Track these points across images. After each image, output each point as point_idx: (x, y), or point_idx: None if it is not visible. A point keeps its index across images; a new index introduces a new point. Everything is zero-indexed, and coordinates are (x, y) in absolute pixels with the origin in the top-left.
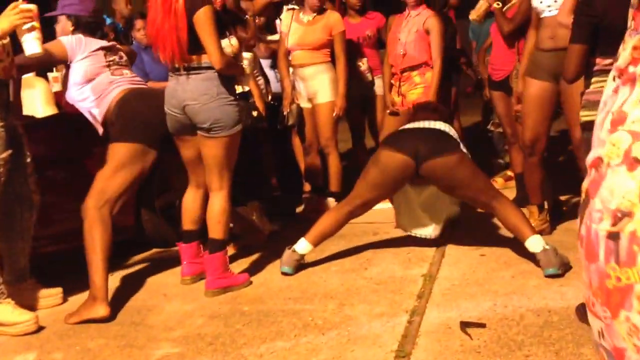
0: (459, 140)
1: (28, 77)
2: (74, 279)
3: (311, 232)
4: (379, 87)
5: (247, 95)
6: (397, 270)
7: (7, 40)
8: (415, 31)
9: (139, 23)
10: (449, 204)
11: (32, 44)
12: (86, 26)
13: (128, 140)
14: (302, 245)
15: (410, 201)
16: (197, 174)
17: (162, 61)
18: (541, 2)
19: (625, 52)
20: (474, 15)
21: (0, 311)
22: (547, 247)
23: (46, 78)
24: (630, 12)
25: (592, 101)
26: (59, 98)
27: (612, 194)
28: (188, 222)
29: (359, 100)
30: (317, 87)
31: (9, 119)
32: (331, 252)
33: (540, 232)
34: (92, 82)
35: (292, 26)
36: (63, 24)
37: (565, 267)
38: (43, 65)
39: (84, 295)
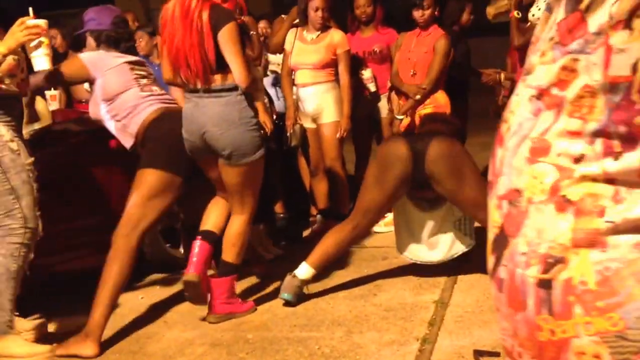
0: None
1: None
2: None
3: (312, 255)
4: (383, 107)
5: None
6: (408, 297)
7: (22, 57)
8: (425, 52)
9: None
10: (460, 234)
11: (40, 60)
12: (107, 40)
13: (160, 167)
14: (303, 270)
15: (411, 223)
16: (225, 190)
17: (176, 79)
18: (539, 19)
19: (547, 68)
20: (491, 10)
21: (12, 344)
22: None
23: (44, 96)
24: (549, 17)
25: None
26: (55, 117)
27: (540, 236)
28: (209, 223)
29: (365, 121)
30: (322, 106)
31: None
32: (339, 278)
33: None
34: (119, 98)
35: (295, 44)
36: (88, 41)
37: None
38: (65, 84)
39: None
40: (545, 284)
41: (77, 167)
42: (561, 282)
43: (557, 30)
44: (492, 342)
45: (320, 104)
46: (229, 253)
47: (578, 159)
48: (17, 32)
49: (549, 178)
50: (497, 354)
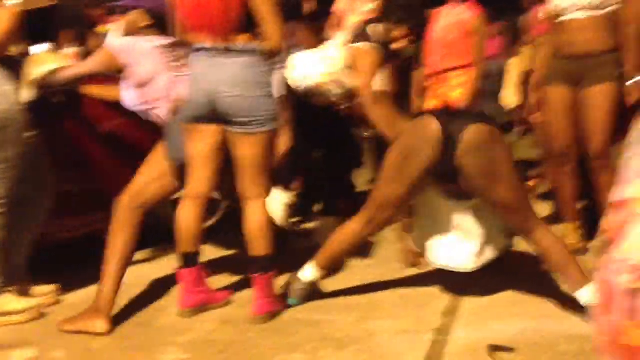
0: None
1: (40, 54)
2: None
3: (320, 254)
4: None
5: None
6: (423, 285)
7: None
8: (457, 31)
9: None
10: (497, 233)
11: None
12: (161, 22)
13: None
14: (308, 272)
15: (433, 217)
16: (201, 177)
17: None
18: (557, 5)
19: None
20: None
21: (3, 301)
22: None
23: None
24: None
25: None
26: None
27: (632, 247)
28: (186, 243)
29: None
30: None
31: None
32: (353, 263)
33: (575, 253)
34: (151, 84)
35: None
36: (135, 17)
37: None
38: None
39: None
40: (632, 293)
41: (92, 133)
42: None
43: None
44: (508, 337)
45: None
46: (259, 247)
47: None
48: None
49: None
50: (512, 350)
